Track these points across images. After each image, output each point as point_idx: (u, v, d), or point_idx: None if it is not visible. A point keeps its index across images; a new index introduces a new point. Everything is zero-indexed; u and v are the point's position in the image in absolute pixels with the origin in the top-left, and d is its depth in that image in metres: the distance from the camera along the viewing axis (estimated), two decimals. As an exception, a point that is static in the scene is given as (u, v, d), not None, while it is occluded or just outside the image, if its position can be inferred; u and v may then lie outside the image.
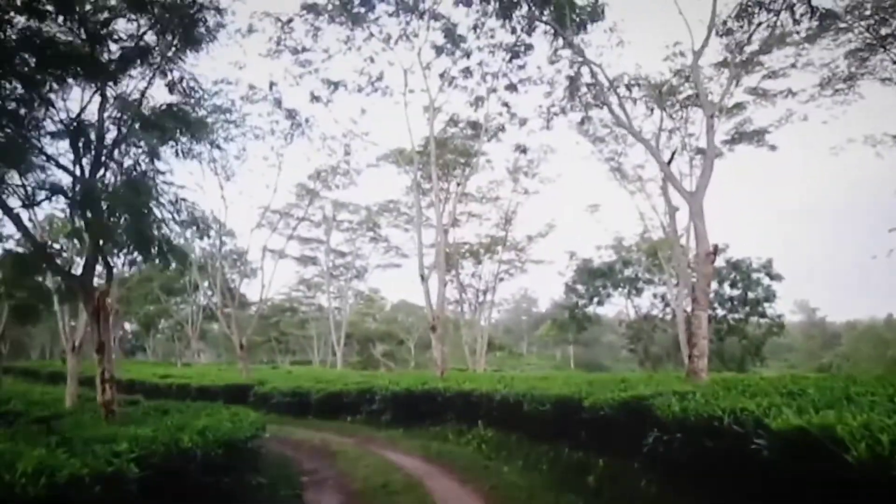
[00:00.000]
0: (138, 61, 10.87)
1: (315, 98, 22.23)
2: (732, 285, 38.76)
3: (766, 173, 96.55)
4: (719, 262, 38.65)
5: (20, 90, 9.98)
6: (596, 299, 44.89)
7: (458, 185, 23.22)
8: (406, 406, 15.65)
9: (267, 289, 32.04)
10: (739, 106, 25.27)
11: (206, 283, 42.60)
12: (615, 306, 48.02)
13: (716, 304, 38.93)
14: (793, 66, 21.19)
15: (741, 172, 70.68)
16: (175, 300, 57.31)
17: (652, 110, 19.97)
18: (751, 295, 38.44)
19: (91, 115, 10.84)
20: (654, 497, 7.09)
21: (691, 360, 10.32)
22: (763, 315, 38.95)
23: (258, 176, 57.33)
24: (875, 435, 3.93)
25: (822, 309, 77.95)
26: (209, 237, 26.55)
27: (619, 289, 43.95)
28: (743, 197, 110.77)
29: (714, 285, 38.81)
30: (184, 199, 11.58)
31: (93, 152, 10.69)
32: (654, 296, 42.30)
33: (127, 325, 72.07)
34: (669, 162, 13.05)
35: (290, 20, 21.30)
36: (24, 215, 13.17)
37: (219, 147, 22.31)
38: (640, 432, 7.49)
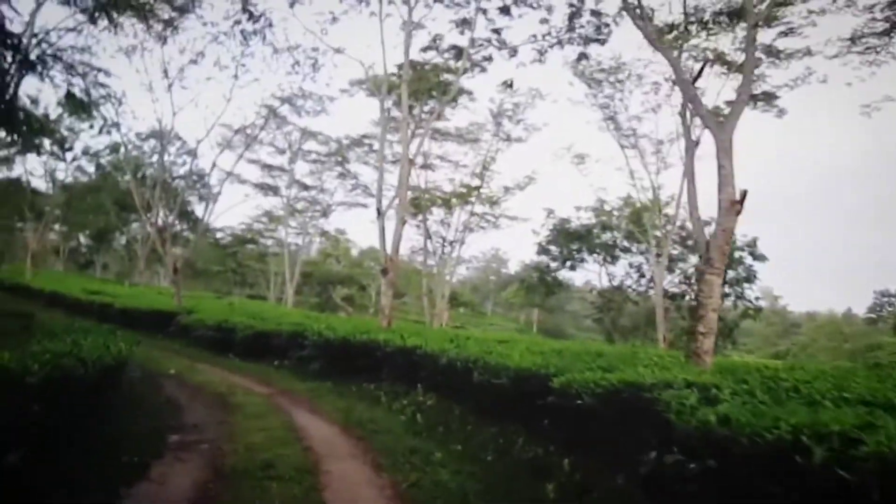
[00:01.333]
0: None
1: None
2: (712, 261, 36.63)
3: (771, 139, 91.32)
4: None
5: None
6: (569, 263, 42.50)
7: (432, 113, 20.32)
8: (339, 356, 13.25)
9: (209, 213, 28.46)
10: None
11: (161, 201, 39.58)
12: (584, 274, 45.92)
13: (693, 279, 37.01)
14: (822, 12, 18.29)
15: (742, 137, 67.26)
16: (132, 216, 53.61)
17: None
18: (730, 274, 36.44)
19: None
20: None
21: (695, 337, 7.94)
22: (741, 296, 37.13)
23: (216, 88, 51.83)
24: None
25: (784, 297, 77.16)
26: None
27: (595, 254, 41.65)
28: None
29: (694, 258, 36.86)
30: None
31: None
32: (630, 265, 40.09)
33: (82, 238, 68.46)
34: (695, 80, 10.41)
35: None
36: None
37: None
38: (632, 436, 5.10)
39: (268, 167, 41.98)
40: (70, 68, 18.49)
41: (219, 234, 63.13)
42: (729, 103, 17.39)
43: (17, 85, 14.92)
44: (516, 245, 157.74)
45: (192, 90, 24.54)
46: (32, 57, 15.20)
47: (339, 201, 44.75)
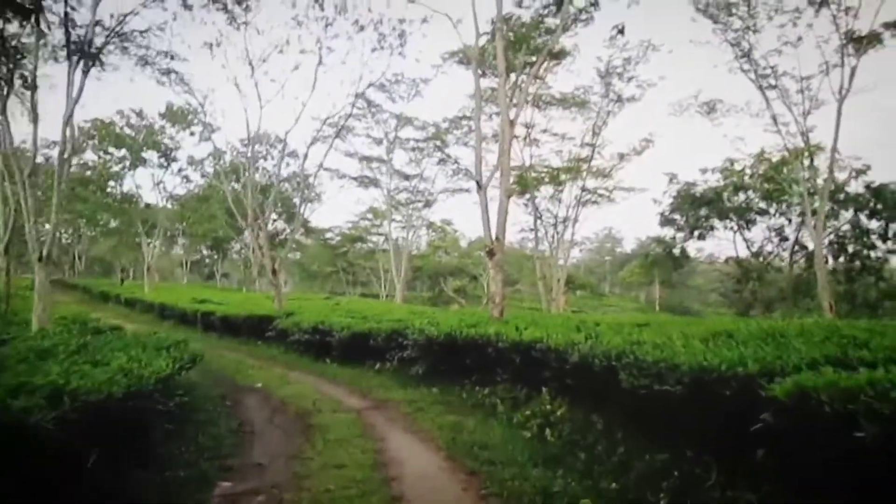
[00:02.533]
0: None
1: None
2: (872, 215, 31.47)
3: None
4: (857, 187, 31.60)
5: None
6: (697, 232, 38.30)
7: (532, 71, 17.61)
8: (445, 356, 11.09)
9: (307, 212, 27.20)
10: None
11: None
12: (714, 243, 41.30)
13: (848, 237, 32.14)
14: None
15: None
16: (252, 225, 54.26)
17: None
18: (895, 227, 31.16)
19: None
20: None
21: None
22: None
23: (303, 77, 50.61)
24: None
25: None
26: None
27: (727, 220, 37.19)
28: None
29: (847, 213, 31.93)
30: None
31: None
32: (769, 228, 35.37)
33: (204, 249, 70.84)
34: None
35: None
36: None
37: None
38: None
39: (366, 159, 40.78)
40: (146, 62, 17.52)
41: (328, 235, 63.39)
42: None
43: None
44: (632, 220, 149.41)
45: (279, 81, 22.67)
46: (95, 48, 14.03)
47: (441, 188, 42.96)
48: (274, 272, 22.06)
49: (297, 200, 46.26)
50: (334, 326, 14.86)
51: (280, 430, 8.15)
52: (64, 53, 13.70)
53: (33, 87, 13.36)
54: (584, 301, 68.47)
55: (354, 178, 42.24)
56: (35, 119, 13.46)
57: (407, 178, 42.30)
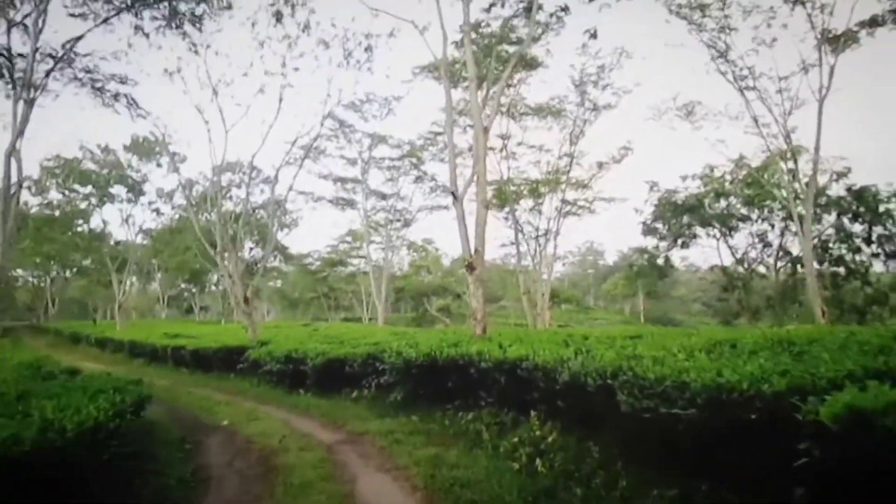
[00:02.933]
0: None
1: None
2: (854, 218, 31.13)
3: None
4: (838, 190, 31.28)
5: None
6: (680, 240, 37.79)
7: (503, 77, 16.95)
8: (425, 379, 10.29)
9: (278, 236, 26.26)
10: None
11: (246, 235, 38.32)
12: (697, 251, 40.79)
13: (832, 241, 31.77)
14: None
15: (879, 66, 56.17)
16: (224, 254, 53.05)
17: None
18: (878, 230, 30.83)
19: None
20: None
21: None
22: (893, 256, 31.30)
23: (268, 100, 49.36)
24: None
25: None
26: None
27: (709, 227, 36.70)
28: (874, 101, 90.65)
29: (830, 217, 31.54)
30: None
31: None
32: (752, 234, 34.91)
33: (182, 283, 69.08)
34: None
35: None
36: None
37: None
38: None
39: (340, 180, 39.94)
40: (97, 87, 16.61)
41: (307, 260, 62.30)
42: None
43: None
44: (614, 230, 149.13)
45: (244, 104, 21.80)
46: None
47: (418, 206, 42.27)
48: (246, 300, 21.05)
49: (271, 226, 45.43)
50: (308, 353, 13.93)
51: (238, 476, 7.23)
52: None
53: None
54: (569, 315, 67.89)
55: (330, 201, 41.40)
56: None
57: (384, 197, 41.54)
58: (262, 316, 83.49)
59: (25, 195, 38.59)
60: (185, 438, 9.34)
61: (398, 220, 43.08)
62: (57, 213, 37.92)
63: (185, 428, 10.29)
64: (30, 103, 12.22)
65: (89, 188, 36.70)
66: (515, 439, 7.40)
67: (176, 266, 51.40)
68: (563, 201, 32.66)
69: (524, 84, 28.30)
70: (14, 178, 12.95)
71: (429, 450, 7.70)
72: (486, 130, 13.78)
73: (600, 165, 32.72)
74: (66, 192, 36.90)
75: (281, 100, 21.27)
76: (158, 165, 36.32)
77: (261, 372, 15.54)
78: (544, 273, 34.24)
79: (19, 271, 59.05)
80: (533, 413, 7.67)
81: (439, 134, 34.28)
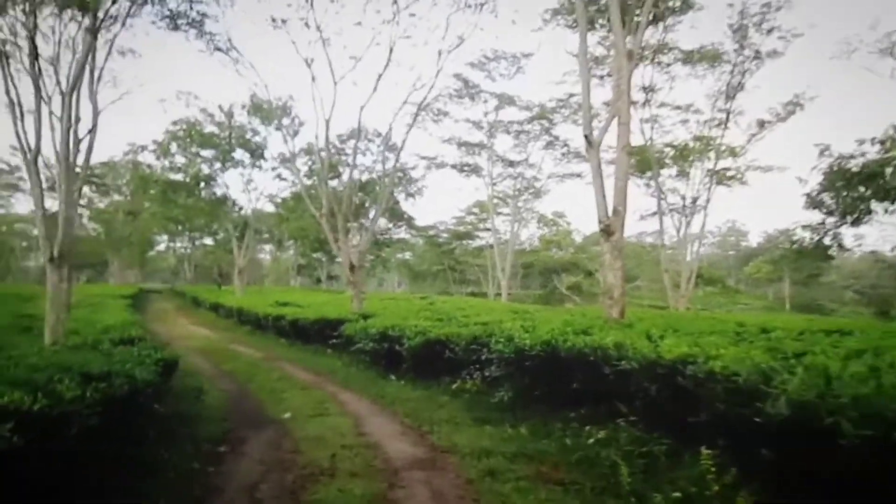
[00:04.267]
0: None
1: None
2: None
3: None
4: None
5: None
6: (851, 216, 31.93)
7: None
8: (542, 375, 7.79)
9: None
10: None
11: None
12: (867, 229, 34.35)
13: None
14: None
15: None
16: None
17: None
18: None
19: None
20: None
21: None
22: None
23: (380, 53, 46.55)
24: None
25: None
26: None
27: (887, 202, 30.64)
28: None
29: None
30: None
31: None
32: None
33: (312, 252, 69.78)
34: None
35: None
36: None
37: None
38: None
39: (465, 145, 37.52)
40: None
41: (431, 232, 60.78)
42: None
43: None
44: (763, 207, 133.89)
45: (355, 57, 19.67)
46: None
47: (548, 174, 39.08)
48: (352, 268, 19.27)
49: (382, 189, 43.91)
50: (406, 332, 11.66)
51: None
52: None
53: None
54: (708, 298, 61.85)
55: (454, 166, 39.14)
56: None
57: (511, 164, 38.75)
58: (392, 288, 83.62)
59: (149, 157, 39.58)
60: (225, 436, 7.35)
61: (528, 190, 40.18)
62: (181, 176, 38.23)
63: (237, 420, 8.35)
64: (93, 33, 10.63)
65: (212, 152, 36.66)
66: (677, 493, 4.62)
67: (297, 233, 51.18)
68: (712, 170, 28.33)
69: (671, 31, 24.27)
70: (83, 120, 11.29)
71: (538, 493, 5.09)
72: (630, 55, 10.69)
73: (762, 124, 27.91)
74: (190, 157, 37.08)
75: (392, 49, 18.96)
76: (278, 129, 35.42)
77: (354, 349, 13.53)
78: (689, 248, 30.17)
79: (164, 236, 62.21)
80: (704, 450, 4.83)
81: (573, 95, 30.85)
